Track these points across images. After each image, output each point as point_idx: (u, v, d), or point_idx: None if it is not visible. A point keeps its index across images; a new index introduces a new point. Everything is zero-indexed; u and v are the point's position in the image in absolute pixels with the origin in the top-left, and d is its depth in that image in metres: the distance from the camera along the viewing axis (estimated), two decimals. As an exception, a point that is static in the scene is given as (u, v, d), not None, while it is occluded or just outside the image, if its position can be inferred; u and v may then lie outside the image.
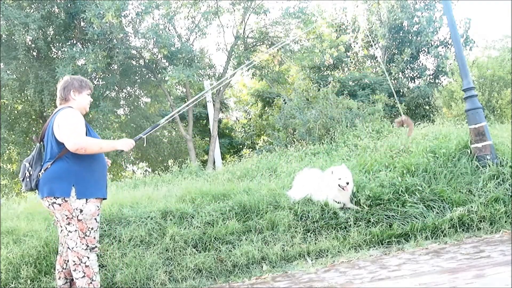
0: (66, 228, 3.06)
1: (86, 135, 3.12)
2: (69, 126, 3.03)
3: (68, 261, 3.20)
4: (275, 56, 14.35)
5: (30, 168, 3.11)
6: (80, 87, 3.29)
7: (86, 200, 3.08)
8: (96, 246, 3.14)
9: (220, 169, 9.19)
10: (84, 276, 3.04)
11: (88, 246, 3.08)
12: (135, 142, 3.45)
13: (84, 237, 3.06)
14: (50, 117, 3.23)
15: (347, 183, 4.43)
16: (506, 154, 4.95)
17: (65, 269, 3.24)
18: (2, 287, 3.82)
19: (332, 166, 4.84)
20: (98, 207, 3.16)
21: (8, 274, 3.88)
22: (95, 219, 3.13)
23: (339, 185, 4.43)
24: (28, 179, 3.09)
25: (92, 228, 3.10)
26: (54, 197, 3.01)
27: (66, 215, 3.03)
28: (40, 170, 3.08)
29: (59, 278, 3.26)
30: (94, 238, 3.12)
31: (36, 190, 3.14)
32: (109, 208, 4.67)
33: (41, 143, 3.18)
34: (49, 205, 3.06)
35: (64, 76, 3.41)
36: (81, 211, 3.05)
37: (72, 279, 3.23)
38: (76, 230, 3.05)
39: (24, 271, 3.84)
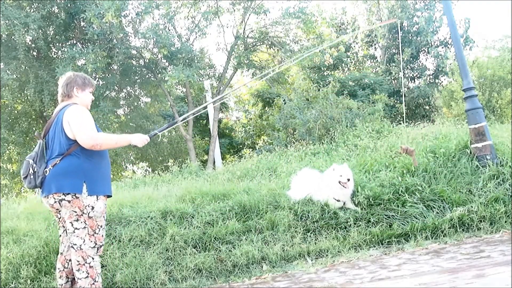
0: (72, 225, 3.02)
1: None
2: (82, 123, 3.01)
3: (70, 260, 3.18)
4: (275, 56, 14.36)
5: (34, 165, 3.05)
6: (83, 84, 3.27)
7: (97, 197, 3.06)
8: (102, 245, 3.14)
9: (220, 169, 9.19)
10: (87, 277, 3.02)
11: (96, 244, 3.07)
12: (150, 138, 3.42)
13: (93, 235, 3.05)
14: (55, 114, 3.17)
15: (348, 180, 4.44)
16: (506, 154, 4.95)
17: (67, 268, 3.22)
18: (2, 287, 3.82)
19: (334, 164, 4.84)
20: (105, 204, 3.16)
21: (8, 274, 3.87)
22: (104, 216, 3.13)
23: (339, 182, 4.44)
24: (32, 176, 3.04)
25: (101, 226, 3.10)
26: (64, 194, 2.97)
27: (75, 212, 3.00)
28: (46, 166, 3.03)
29: (60, 277, 3.23)
30: (102, 236, 3.12)
31: (40, 188, 3.08)
32: (109, 208, 4.66)
33: (44, 140, 3.13)
34: (56, 202, 3.00)
35: (66, 72, 3.38)
36: (92, 208, 3.03)
37: (74, 279, 3.21)
38: (84, 227, 3.02)
39: (24, 271, 3.83)
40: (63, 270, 3.22)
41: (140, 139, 3.30)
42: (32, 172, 3.04)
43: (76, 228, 3.02)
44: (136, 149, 15.09)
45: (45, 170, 3.02)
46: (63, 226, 3.21)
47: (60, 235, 3.29)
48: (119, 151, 14.15)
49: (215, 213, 4.49)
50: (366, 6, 16.78)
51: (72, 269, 3.16)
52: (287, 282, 3.44)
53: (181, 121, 4.15)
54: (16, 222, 4.62)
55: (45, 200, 3.11)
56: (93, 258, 3.05)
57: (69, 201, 2.99)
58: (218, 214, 4.48)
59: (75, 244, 3.03)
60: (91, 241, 3.04)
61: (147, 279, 3.79)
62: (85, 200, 3.00)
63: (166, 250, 4.07)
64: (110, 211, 4.60)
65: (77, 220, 3.02)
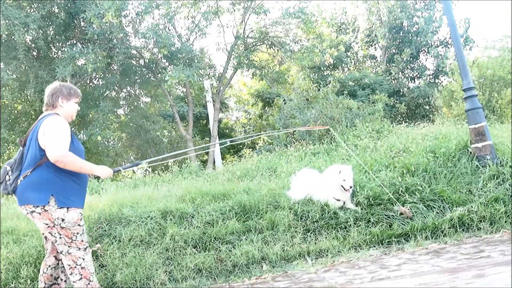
0: (51, 234, 3.00)
1: (70, 144, 3.03)
2: (54, 135, 2.95)
3: (49, 266, 3.20)
4: (275, 56, 14.36)
5: (10, 172, 3.03)
6: (69, 94, 3.21)
7: (67, 208, 3.00)
8: (87, 247, 3.10)
9: (220, 169, 9.19)
10: (81, 278, 3.01)
11: (80, 248, 3.04)
12: (114, 172, 3.32)
13: (72, 242, 3.02)
14: (35, 123, 3.14)
15: (350, 187, 4.44)
16: (506, 154, 4.96)
17: (46, 273, 3.22)
18: (2, 287, 3.82)
19: (339, 165, 4.83)
20: (80, 213, 3.09)
21: (8, 274, 3.88)
22: (79, 224, 3.06)
23: (342, 185, 4.43)
24: (8, 183, 3.02)
25: (77, 233, 3.04)
26: (33, 206, 2.94)
27: (47, 224, 2.96)
28: (18, 176, 3.00)
29: (40, 281, 3.24)
30: (82, 240, 3.07)
31: (14, 195, 3.06)
32: (109, 208, 4.67)
33: (24, 147, 3.08)
34: (28, 213, 2.98)
35: (53, 82, 3.33)
36: (62, 220, 2.97)
37: (52, 284, 3.22)
38: (61, 238, 3.00)
39: (24, 271, 3.84)
40: (43, 274, 3.24)
41: (104, 171, 3.20)
42: (8, 179, 3.03)
43: (55, 238, 3.01)
44: (136, 149, 15.15)
45: (17, 180, 2.99)
46: (43, 234, 3.21)
47: (44, 242, 3.30)
48: (119, 151, 14.12)
49: (215, 213, 4.50)
50: (366, 6, 16.77)
51: (51, 275, 3.21)
52: (287, 282, 3.44)
53: (145, 164, 4.09)
54: (16, 222, 4.63)
55: (21, 209, 3.09)
56: (83, 259, 3.04)
57: (39, 213, 2.95)
58: (218, 214, 4.48)
59: (62, 251, 3.02)
60: (73, 247, 3.02)
61: (147, 279, 3.79)
62: (54, 213, 2.95)
63: (166, 250, 4.08)
64: (110, 211, 4.61)
65: (51, 232, 2.99)
